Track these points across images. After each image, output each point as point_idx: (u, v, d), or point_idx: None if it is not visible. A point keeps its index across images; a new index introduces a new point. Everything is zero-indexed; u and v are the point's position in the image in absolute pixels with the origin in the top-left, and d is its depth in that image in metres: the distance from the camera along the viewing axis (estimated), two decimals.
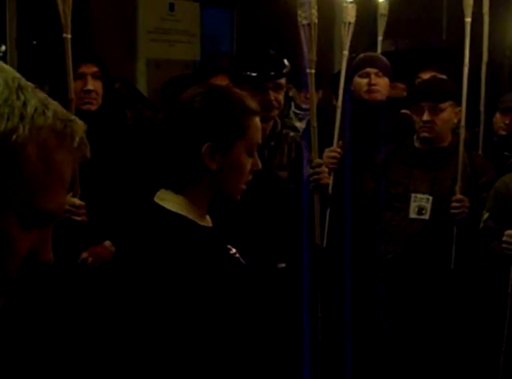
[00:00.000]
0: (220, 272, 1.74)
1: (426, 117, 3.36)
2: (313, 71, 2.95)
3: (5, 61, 4.84)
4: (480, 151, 3.81)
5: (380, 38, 4.24)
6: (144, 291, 1.66)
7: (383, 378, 3.45)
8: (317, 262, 2.71)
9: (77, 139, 0.92)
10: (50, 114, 0.90)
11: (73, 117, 0.94)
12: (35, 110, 0.88)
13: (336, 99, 3.73)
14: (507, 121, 4.11)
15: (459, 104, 3.42)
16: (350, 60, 3.72)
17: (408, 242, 3.40)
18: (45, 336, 2.70)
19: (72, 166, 0.94)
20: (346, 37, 3.48)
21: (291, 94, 4.69)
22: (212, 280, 1.70)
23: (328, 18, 3.01)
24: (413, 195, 3.44)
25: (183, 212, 1.77)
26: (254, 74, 2.88)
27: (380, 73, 3.91)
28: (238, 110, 1.79)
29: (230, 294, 1.75)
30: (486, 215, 3.18)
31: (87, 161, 2.78)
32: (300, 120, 4.43)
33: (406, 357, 3.40)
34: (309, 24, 2.85)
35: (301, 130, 4.03)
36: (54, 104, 0.92)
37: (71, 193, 2.88)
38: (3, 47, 5.14)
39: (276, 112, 2.95)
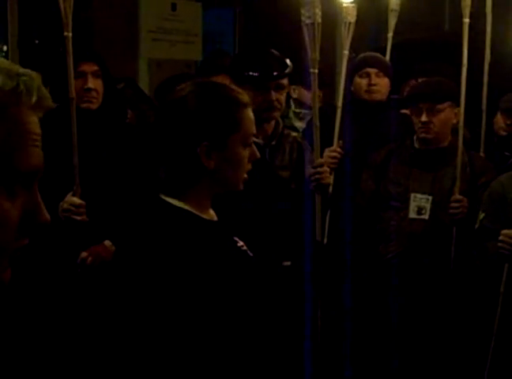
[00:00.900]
0: (229, 264, 1.74)
1: (424, 118, 3.37)
2: (316, 71, 2.95)
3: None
4: (481, 152, 3.81)
5: (390, 34, 4.24)
6: (151, 287, 1.66)
7: (383, 377, 3.45)
8: (318, 260, 2.72)
9: (35, 94, 0.92)
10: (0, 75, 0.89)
11: (25, 70, 0.93)
12: None
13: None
14: (509, 122, 4.10)
15: (458, 105, 3.42)
16: (350, 60, 3.73)
17: (408, 242, 3.41)
18: (44, 335, 2.70)
19: (37, 121, 0.94)
20: (346, 37, 3.49)
21: (295, 96, 4.68)
22: (222, 273, 1.70)
23: (329, 18, 3.00)
24: (413, 195, 3.44)
25: (188, 207, 1.77)
26: (256, 74, 2.87)
27: (380, 73, 3.92)
28: (230, 105, 1.79)
29: (238, 285, 1.75)
30: (482, 215, 3.18)
31: (87, 160, 2.78)
32: (300, 120, 4.42)
33: (406, 356, 3.40)
34: (312, 24, 2.85)
35: (301, 130, 4.04)
36: (5, 63, 0.91)
37: (71, 193, 2.88)
38: (4, 47, 5.14)
39: (277, 113, 2.95)
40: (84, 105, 3.05)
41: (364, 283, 3.48)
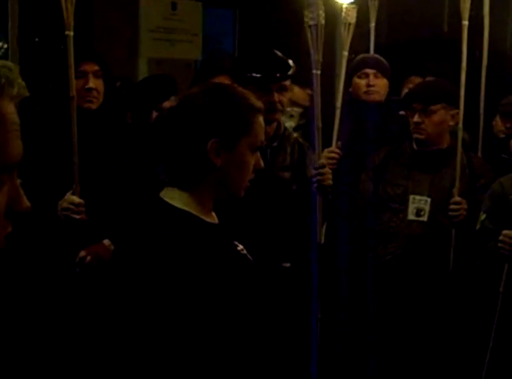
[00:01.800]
0: (228, 268, 1.74)
1: (416, 118, 3.38)
2: (319, 72, 2.95)
3: (7, 59, 4.85)
4: (479, 154, 3.81)
5: (372, 24, 4.23)
6: (150, 288, 1.66)
7: (382, 378, 3.45)
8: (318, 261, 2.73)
9: (16, 84, 0.94)
10: None
11: (4, 62, 0.95)
12: None
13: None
14: (508, 125, 4.10)
15: (455, 106, 3.42)
16: (349, 61, 3.73)
17: (407, 243, 3.40)
18: (42, 334, 2.70)
19: (15, 110, 0.96)
20: (346, 38, 3.49)
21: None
22: (221, 276, 1.70)
23: (330, 19, 3.01)
24: (412, 197, 3.44)
25: (189, 209, 1.77)
26: (258, 75, 2.87)
27: (379, 74, 3.92)
28: (243, 106, 1.80)
29: (238, 290, 1.75)
30: (483, 216, 3.19)
31: (87, 159, 2.78)
32: (291, 118, 4.40)
33: (405, 357, 3.40)
34: (315, 25, 2.85)
35: (291, 129, 4.04)
36: None
37: (71, 191, 2.88)
38: (5, 45, 5.14)
39: (279, 115, 2.95)
40: (85, 105, 3.06)
41: (362, 285, 3.48)
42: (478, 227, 3.19)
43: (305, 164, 3.09)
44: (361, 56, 4.10)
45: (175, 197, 1.79)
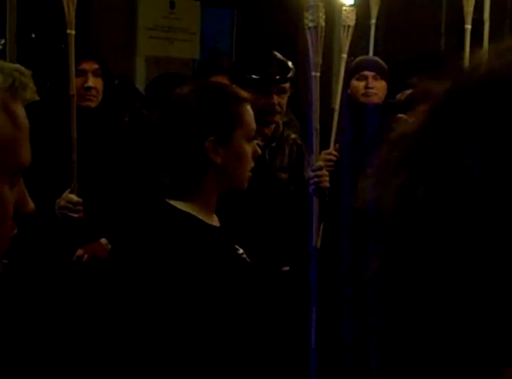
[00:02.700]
0: (228, 272, 1.75)
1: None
2: (318, 74, 2.95)
3: (5, 55, 4.83)
4: None
5: (373, 21, 4.22)
6: (148, 289, 1.66)
7: None
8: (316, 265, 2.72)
9: (29, 89, 0.95)
10: None
11: (17, 66, 0.96)
12: None
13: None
14: None
15: None
16: (348, 63, 3.73)
17: None
18: (39, 332, 2.70)
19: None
20: (345, 40, 3.49)
21: None
22: (220, 279, 1.71)
23: (328, 21, 3.00)
24: None
25: (192, 211, 1.78)
26: (257, 77, 2.87)
27: (377, 76, 3.92)
28: (231, 100, 1.82)
29: (236, 293, 1.76)
30: None
31: (85, 157, 2.77)
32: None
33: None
34: (315, 28, 2.85)
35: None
36: None
37: (69, 190, 2.88)
38: (2, 41, 5.12)
39: (278, 116, 2.94)
40: (84, 103, 3.05)
41: (358, 288, 3.48)
42: None
43: (303, 166, 3.09)
44: (360, 58, 4.10)
45: (177, 199, 1.80)
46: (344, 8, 3.45)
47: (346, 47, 3.49)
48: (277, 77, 2.88)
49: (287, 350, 2.56)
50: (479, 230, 0.49)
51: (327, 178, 2.99)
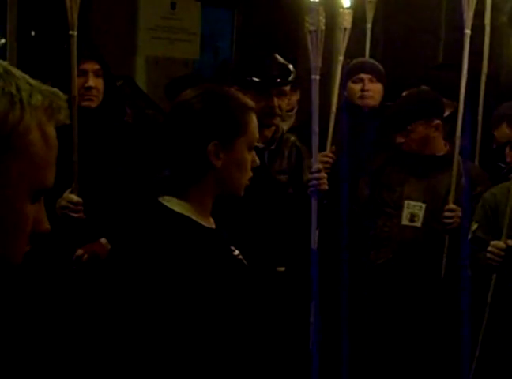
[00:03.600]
0: (224, 273, 1.76)
1: (398, 139, 3.47)
2: (317, 77, 2.96)
3: (5, 55, 4.84)
4: (476, 162, 3.83)
5: (369, 25, 4.24)
6: (145, 291, 1.67)
7: None
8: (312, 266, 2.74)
9: (63, 111, 0.98)
10: (37, 93, 0.94)
11: (54, 90, 0.98)
12: (27, 93, 0.93)
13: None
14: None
15: (436, 116, 3.45)
16: (344, 66, 3.74)
17: (399, 248, 3.42)
18: (41, 335, 2.70)
19: None
20: (342, 43, 3.50)
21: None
22: (216, 281, 1.72)
23: (326, 24, 3.02)
24: (406, 202, 3.46)
25: (188, 213, 1.79)
26: (258, 80, 2.88)
27: (374, 79, 3.93)
28: (238, 107, 1.83)
29: (233, 295, 1.77)
30: (475, 226, 3.21)
31: (85, 158, 2.78)
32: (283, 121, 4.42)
33: (396, 363, 3.42)
34: (316, 31, 2.86)
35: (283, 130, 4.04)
36: (33, 81, 0.96)
37: (69, 190, 2.89)
38: (3, 40, 5.12)
39: (278, 119, 2.96)
40: (85, 103, 3.06)
41: (355, 289, 3.49)
42: (470, 236, 3.21)
43: (302, 168, 3.11)
44: (356, 61, 4.11)
45: (173, 201, 1.81)
46: (340, 10, 3.46)
47: (343, 50, 3.51)
48: (278, 80, 2.89)
49: (285, 351, 2.58)
50: None
51: (326, 181, 3.01)
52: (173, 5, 5.79)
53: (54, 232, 2.91)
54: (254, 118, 1.87)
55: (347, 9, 3.46)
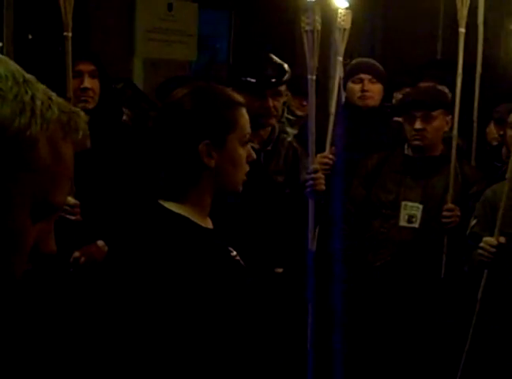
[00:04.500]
0: (222, 274, 1.76)
1: (418, 125, 3.37)
2: (314, 77, 2.95)
3: None
4: (472, 161, 3.83)
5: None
6: (143, 292, 1.67)
7: None
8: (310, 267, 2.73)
9: (81, 131, 0.95)
10: (55, 107, 0.92)
11: (76, 109, 0.96)
12: (43, 104, 0.90)
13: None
14: (501, 132, 4.11)
15: (450, 112, 3.44)
16: (344, 66, 3.73)
17: (397, 250, 3.41)
18: (40, 337, 2.70)
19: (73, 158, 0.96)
20: (341, 43, 3.49)
21: (285, 99, 4.68)
22: (214, 282, 1.71)
23: (324, 24, 3.01)
24: (403, 203, 3.44)
25: (185, 214, 1.79)
26: (253, 80, 2.87)
27: (374, 79, 3.92)
28: (226, 104, 1.82)
29: (230, 296, 1.76)
30: (473, 222, 3.20)
31: (82, 159, 2.78)
32: (292, 126, 4.42)
33: (394, 363, 3.41)
34: (312, 31, 2.85)
35: (291, 136, 4.04)
36: (55, 96, 0.93)
37: None
38: (0, 44, 5.12)
39: (274, 120, 2.95)
40: (81, 105, 3.05)
41: (352, 291, 3.48)
42: (468, 232, 3.20)
43: (299, 168, 3.10)
44: (356, 61, 4.10)
45: (171, 203, 1.80)
46: (339, 11, 3.45)
47: (342, 50, 3.50)
48: (273, 80, 2.89)
49: (283, 351, 2.57)
50: None
51: (323, 181, 3.00)
52: (170, 7, 5.79)
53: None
54: (243, 113, 1.85)
55: (346, 9, 3.45)
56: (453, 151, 3.37)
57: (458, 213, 3.28)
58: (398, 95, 4.63)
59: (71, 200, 2.85)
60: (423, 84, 4.27)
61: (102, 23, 5.37)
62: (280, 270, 2.87)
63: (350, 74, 3.94)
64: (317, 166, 3.03)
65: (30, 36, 5.42)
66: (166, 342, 1.65)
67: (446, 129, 3.46)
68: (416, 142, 3.42)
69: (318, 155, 3.40)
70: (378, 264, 3.44)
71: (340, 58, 3.53)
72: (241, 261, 1.89)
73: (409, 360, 3.39)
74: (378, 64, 4.10)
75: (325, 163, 3.43)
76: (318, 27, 2.87)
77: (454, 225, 3.28)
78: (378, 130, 3.89)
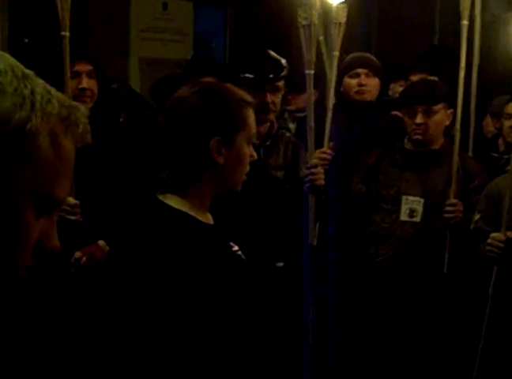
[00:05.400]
0: (223, 269, 1.76)
1: (419, 119, 3.35)
2: (312, 72, 2.95)
3: None
4: (470, 153, 3.83)
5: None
6: (145, 289, 1.67)
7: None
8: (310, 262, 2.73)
9: (81, 125, 0.95)
10: (55, 101, 0.92)
11: (76, 103, 0.96)
12: (43, 97, 0.90)
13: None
14: (497, 125, 4.12)
15: (451, 106, 3.43)
16: (340, 61, 3.72)
17: (400, 244, 3.40)
18: (40, 337, 2.70)
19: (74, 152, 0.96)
20: (337, 38, 3.48)
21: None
22: (216, 277, 1.71)
23: (320, 19, 3.01)
24: (404, 197, 3.43)
25: (186, 210, 1.79)
26: (251, 76, 2.87)
27: (370, 74, 3.91)
28: (237, 103, 1.84)
29: (232, 290, 1.76)
30: (477, 217, 3.19)
31: (81, 159, 2.78)
32: (293, 121, 4.42)
33: (396, 359, 3.40)
34: (309, 25, 2.85)
35: (293, 131, 4.04)
36: (54, 90, 0.94)
37: None
38: None
39: (272, 115, 2.95)
40: None
41: (354, 287, 3.48)
42: (472, 226, 3.20)
43: (298, 164, 3.10)
44: (352, 55, 4.09)
45: (171, 198, 1.81)
46: (335, 5, 3.44)
47: (338, 45, 3.49)
48: (271, 76, 2.89)
49: (282, 346, 2.57)
50: None
51: (322, 176, 3.00)
52: (165, 6, 5.78)
53: None
54: (251, 113, 1.88)
55: (341, 3, 3.44)
56: (456, 145, 3.36)
57: (461, 208, 3.26)
58: (397, 87, 4.62)
59: (71, 200, 2.85)
60: (414, 77, 4.25)
61: (97, 23, 5.36)
62: (281, 264, 2.87)
63: (346, 69, 3.93)
64: (316, 161, 3.03)
65: (26, 40, 5.41)
66: (168, 338, 1.65)
67: (447, 122, 3.46)
68: (417, 136, 3.41)
69: (317, 151, 3.40)
70: (380, 258, 3.43)
71: (337, 53, 3.52)
72: (242, 256, 1.90)
73: (411, 356, 3.38)
74: (374, 58, 4.09)
75: (324, 159, 3.42)
76: (315, 21, 2.86)
77: (457, 220, 3.26)
78: (376, 125, 3.88)
